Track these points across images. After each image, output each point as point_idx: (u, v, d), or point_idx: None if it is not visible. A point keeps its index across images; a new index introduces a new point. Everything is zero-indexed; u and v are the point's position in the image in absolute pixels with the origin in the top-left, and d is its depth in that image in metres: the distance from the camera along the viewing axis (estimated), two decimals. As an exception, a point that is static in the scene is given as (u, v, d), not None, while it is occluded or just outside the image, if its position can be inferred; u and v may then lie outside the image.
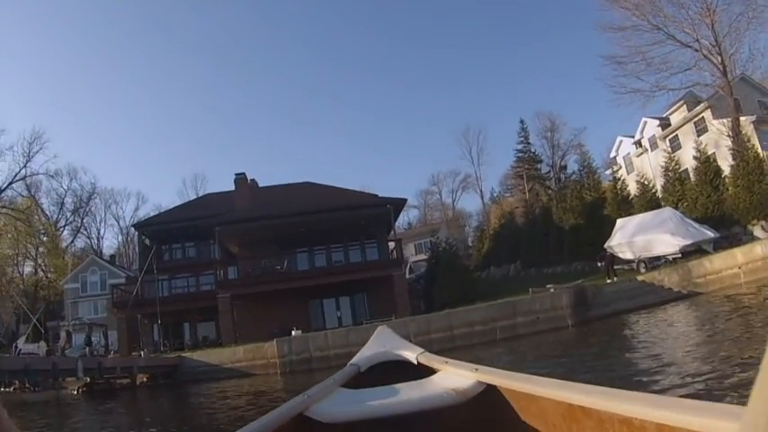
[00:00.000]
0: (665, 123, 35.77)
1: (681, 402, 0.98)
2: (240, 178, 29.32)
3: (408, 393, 1.93)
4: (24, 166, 43.46)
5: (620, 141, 41.95)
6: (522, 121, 51.94)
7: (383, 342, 3.14)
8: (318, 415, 1.75)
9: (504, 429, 1.76)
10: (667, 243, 21.61)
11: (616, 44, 31.53)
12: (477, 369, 1.95)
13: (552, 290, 19.71)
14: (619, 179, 32.85)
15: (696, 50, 27.40)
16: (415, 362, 2.62)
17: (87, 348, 29.35)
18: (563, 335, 16.75)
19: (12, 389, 22.64)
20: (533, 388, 1.54)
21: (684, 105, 32.92)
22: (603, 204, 31.25)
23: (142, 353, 24.44)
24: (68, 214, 58.32)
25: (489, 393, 1.79)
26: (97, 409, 16.04)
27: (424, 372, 2.37)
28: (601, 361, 9.91)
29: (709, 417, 0.86)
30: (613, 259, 23.06)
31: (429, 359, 2.53)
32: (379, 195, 30.18)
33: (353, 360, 2.82)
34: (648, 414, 1.02)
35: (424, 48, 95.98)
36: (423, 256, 43.02)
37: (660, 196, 29.26)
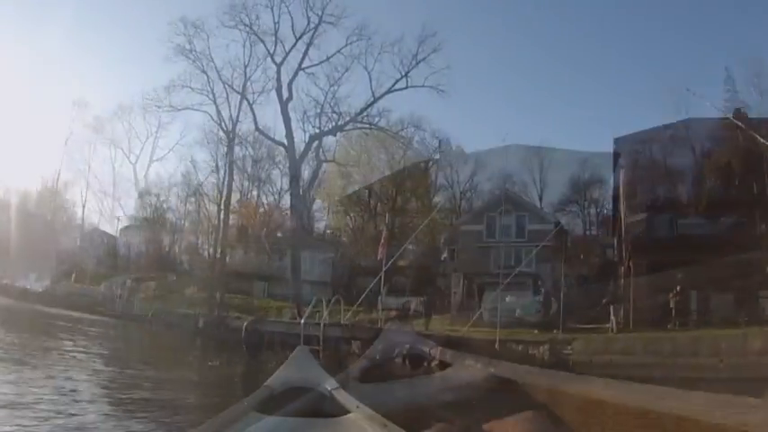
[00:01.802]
0: None
1: (698, 395, 1.43)
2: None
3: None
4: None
5: None
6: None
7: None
8: None
9: None
10: None
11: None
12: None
13: None
14: None
15: None
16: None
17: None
18: None
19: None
20: (551, 382, 2.15)
21: None
22: None
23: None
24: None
25: (505, 388, 2.18)
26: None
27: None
28: None
29: (728, 409, 1.28)
30: None
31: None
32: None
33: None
34: (666, 406, 1.42)
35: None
36: None
37: None
